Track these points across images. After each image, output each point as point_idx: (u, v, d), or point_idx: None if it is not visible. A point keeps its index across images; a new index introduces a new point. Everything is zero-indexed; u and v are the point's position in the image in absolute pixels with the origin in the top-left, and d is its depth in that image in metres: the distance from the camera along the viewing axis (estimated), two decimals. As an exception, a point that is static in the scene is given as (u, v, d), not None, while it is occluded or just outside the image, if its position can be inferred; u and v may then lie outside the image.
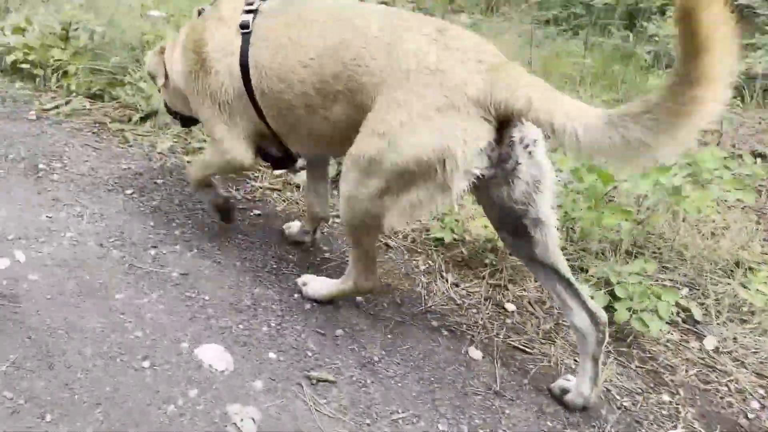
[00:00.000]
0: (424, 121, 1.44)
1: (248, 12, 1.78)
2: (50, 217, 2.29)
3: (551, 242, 1.65)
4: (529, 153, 1.52)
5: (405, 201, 1.55)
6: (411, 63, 1.48)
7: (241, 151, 1.93)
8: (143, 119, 3.12)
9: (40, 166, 2.64)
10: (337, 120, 1.66)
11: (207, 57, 1.84)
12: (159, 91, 2.31)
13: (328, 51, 1.62)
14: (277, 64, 1.71)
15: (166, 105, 2.35)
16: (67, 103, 3.19)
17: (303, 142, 1.87)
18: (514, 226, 1.64)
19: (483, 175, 1.50)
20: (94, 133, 3.02)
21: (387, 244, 2.40)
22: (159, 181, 2.67)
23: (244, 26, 1.77)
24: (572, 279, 1.68)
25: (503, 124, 1.46)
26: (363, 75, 1.55)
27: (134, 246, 2.21)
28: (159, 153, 2.89)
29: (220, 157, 1.97)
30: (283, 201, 2.69)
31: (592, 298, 1.79)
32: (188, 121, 2.36)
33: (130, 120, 3.13)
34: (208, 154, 2.09)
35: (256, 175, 2.81)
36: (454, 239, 2.41)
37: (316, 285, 1.97)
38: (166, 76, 2.12)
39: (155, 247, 2.22)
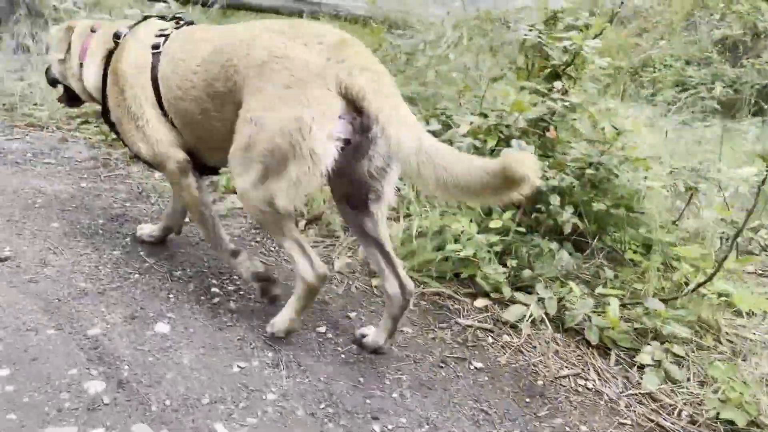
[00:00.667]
0: (280, 100, 1.63)
1: (160, 36, 2.02)
2: (243, 369, 1.84)
3: (382, 219, 1.86)
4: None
5: (286, 180, 1.66)
6: (263, 55, 1.68)
7: (171, 150, 2.01)
8: (309, 222, 2.72)
9: (213, 289, 2.23)
10: (231, 121, 1.77)
11: (122, 74, 2.04)
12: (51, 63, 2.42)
13: (210, 56, 1.83)
14: (176, 75, 1.92)
15: (49, 72, 2.44)
16: (221, 199, 2.83)
17: (211, 151, 1.99)
18: (359, 200, 1.83)
19: (350, 141, 1.64)
20: (258, 242, 2.62)
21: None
22: (353, 314, 2.22)
23: (155, 47, 2.00)
24: (392, 253, 1.90)
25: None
26: (234, 74, 1.74)
27: (351, 417, 1.72)
28: (338, 272, 2.46)
29: (157, 160, 2.05)
30: (501, 347, 2.18)
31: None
32: (74, 100, 2.43)
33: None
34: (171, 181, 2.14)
35: (456, 307, 2.33)
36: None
37: (278, 321, 1.94)
38: (67, 53, 2.27)
39: (376, 418, 1.73)
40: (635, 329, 2.21)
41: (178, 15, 2.16)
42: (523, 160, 1.33)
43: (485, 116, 2.64)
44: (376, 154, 1.71)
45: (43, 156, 3.24)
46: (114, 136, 2.37)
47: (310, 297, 1.87)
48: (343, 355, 1.98)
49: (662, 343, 2.15)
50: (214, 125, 1.86)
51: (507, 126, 2.56)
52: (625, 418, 1.90)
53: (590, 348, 2.18)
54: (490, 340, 2.19)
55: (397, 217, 2.64)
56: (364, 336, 2.01)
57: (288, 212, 1.72)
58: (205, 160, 2.06)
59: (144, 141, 2.02)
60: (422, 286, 2.38)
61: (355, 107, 1.61)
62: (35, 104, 3.89)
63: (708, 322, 2.25)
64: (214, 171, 2.21)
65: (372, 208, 1.83)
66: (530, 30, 3.00)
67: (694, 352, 2.14)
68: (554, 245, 2.42)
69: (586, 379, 2.05)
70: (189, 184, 2.03)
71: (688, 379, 2.04)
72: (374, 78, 1.61)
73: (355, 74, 1.59)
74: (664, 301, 2.24)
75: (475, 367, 2.04)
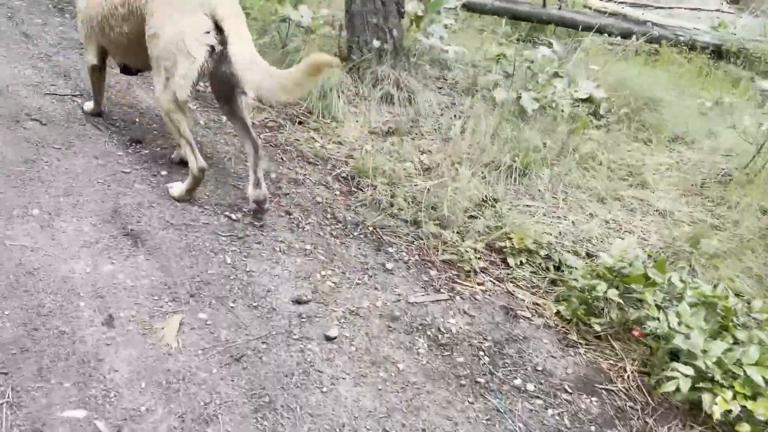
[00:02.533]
0: (172, 18, 2.38)
1: None
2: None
3: (246, 106, 2.77)
4: None
5: (179, 75, 2.42)
6: None
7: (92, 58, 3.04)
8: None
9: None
10: (130, 34, 2.64)
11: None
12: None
13: None
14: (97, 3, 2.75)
15: None
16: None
17: (121, 55, 2.91)
18: (228, 94, 2.74)
19: (214, 48, 2.40)
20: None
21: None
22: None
23: None
24: (249, 125, 2.80)
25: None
26: (133, 11, 2.55)
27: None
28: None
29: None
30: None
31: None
32: None
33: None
34: None
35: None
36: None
37: (175, 189, 2.77)
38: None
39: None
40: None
41: None
42: (321, 55, 2.20)
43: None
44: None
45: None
46: None
47: (196, 182, 2.68)
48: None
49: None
50: (119, 37, 2.72)
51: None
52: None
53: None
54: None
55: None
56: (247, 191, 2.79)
57: (185, 104, 2.51)
58: (118, 61, 3.02)
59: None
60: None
61: (218, 27, 2.38)
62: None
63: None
64: (128, 71, 3.12)
65: (237, 98, 2.75)
66: None
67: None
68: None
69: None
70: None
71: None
72: (230, 10, 2.39)
73: (219, 5, 2.37)
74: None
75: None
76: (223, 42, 2.37)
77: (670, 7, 10.94)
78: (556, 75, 4.87)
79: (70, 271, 2.22)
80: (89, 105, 3.27)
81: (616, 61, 6.52)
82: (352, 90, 4.23)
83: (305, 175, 3.27)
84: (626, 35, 7.67)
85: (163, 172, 2.96)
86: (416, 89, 4.40)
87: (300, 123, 3.84)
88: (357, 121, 3.96)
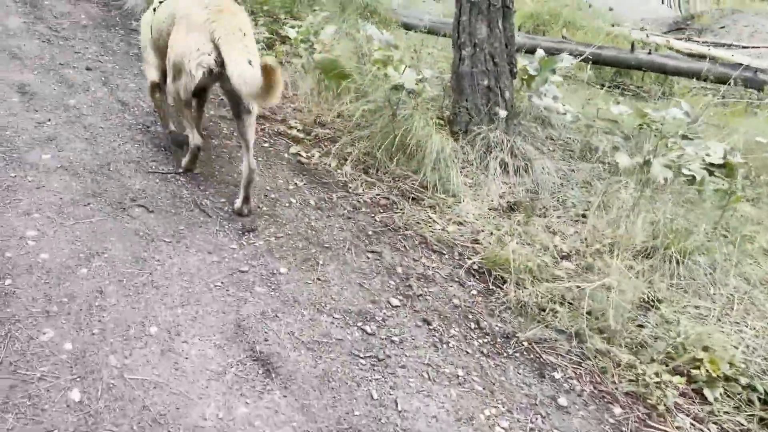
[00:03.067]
0: (181, 37, 2.73)
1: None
2: None
3: (249, 125, 2.88)
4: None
5: (180, 83, 2.77)
6: (181, 12, 2.80)
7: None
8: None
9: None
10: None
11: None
12: None
13: (164, 15, 3.01)
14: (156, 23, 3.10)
15: None
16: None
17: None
18: (236, 112, 2.90)
19: (213, 70, 2.66)
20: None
21: None
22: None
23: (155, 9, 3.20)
24: (250, 146, 2.89)
25: None
26: (171, 24, 2.88)
27: None
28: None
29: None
30: None
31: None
32: None
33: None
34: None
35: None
36: None
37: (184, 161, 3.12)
38: None
39: None
40: None
41: None
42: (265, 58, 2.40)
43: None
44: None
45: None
46: None
47: (194, 155, 3.02)
48: None
49: None
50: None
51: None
52: None
53: None
54: None
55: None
56: (233, 204, 2.95)
57: (185, 100, 2.79)
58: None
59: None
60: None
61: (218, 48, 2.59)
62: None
63: None
64: None
65: (243, 117, 2.84)
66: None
67: None
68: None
69: None
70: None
71: None
72: (227, 29, 2.56)
73: (218, 29, 2.56)
74: None
75: None
76: (221, 63, 2.57)
77: (756, 47, 10.27)
78: (684, 137, 4.37)
79: (201, 416, 1.84)
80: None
81: (733, 114, 5.93)
82: (460, 157, 3.84)
83: (434, 268, 2.85)
84: (722, 80, 7.07)
85: (282, 270, 2.60)
86: (531, 156, 3.97)
87: (414, 199, 3.45)
88: (475, 196, 3.55)
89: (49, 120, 3.39)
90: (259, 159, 3.54)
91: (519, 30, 7.96)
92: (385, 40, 4.45)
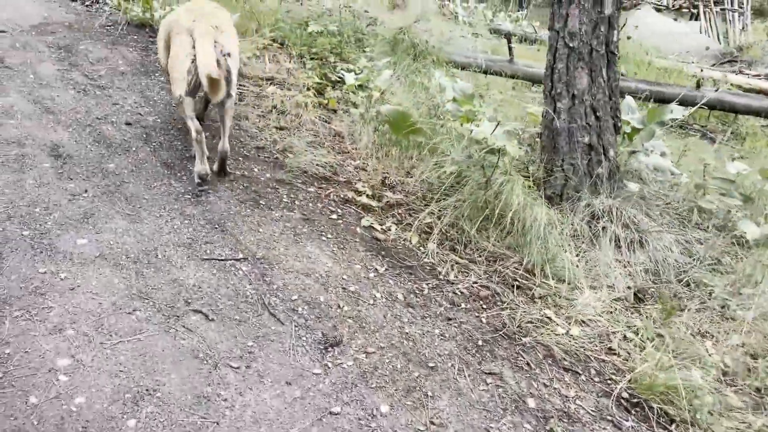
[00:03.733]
0: (175, 40, 3.03)
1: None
2: None
3: (229, 109, 3.16)
4: (225, 56, 2.98)
5: (175, 83, 3.03)
6: (172, 20, 3.15)
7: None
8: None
9: None
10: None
11: None
12: None
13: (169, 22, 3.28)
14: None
15: None
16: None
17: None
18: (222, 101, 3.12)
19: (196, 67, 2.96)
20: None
21: None
22: None
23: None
24: (227, 129, 3.18)
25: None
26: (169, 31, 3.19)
27: None
28: None
29: None
30: None
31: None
32: None
33: None
34: None
35: None
36: None
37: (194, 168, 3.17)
38: None
39: None
40: None
41: None
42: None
43: None
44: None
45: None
46: None
47: (199, 145, 3.05)
48: None
49: None
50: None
51: None
52: None
53: None
54: None
55: None
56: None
57: (181, 97, 3.01)
58: None
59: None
60: None
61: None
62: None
63: None
64: None
65: (225, 103, 3.11)
66: None
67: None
68: None
69: None
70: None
71: None
72: (200, 32, 2.92)
73: (195, 29, 2.95)
74: None
75: None
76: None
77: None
78: (817, 201, 3.71)
79: None
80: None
81: None
82: (565, 230, 3.22)
83: (573, 398, 2.20)
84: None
85: (383, 408, 1.98)
86: (644, 226, 3.34)
87: (518, 288, 2.83)
88: (592, 282, 2.91)
89: (86, 191, 2.87)
90: (329, 236, 2.96)
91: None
92: (461, 89, 3.90)
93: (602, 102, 3.48)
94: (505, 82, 6.53)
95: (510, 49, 6.60)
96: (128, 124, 3.63)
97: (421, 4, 11.17)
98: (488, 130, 3.31)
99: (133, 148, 3.35)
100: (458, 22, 11.35)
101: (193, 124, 3.07)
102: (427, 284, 2.74)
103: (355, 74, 4.85)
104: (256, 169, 3.44)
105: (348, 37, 5.75)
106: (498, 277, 2.87)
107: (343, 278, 2.65)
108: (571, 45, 3.44)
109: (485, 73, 6.52)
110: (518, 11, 14.11)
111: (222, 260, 2.59)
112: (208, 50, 2.86)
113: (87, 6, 5.76)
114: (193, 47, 2.90)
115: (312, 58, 5.46)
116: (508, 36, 6.98)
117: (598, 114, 3.47)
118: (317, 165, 3.63)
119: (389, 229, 3.15)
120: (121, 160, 3.20)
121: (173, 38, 3.05)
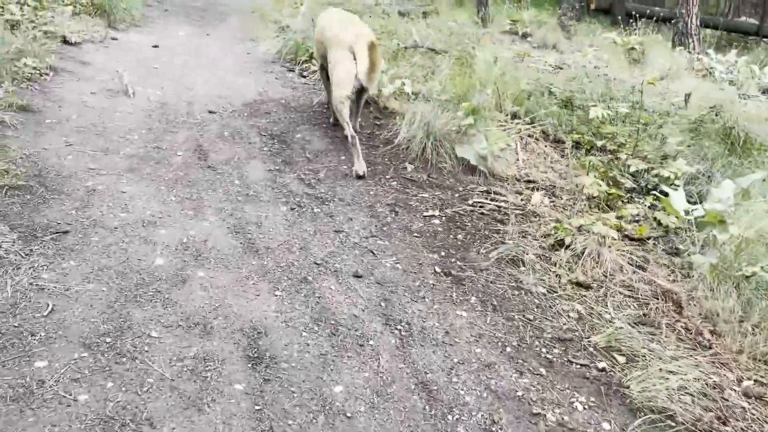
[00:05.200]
0: (336, 56, 3.35)
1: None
2: None
3: (362, 100, 3.62)
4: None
5: (337, 86, 3.36)
6: (330, 34, 3.46)
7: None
8: None
9: None
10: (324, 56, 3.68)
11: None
12: None
13: (318, 30, 3.75)
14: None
15: None
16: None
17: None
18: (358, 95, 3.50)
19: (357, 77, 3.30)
20: None
21: None
22: None
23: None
24: (359, 113, 3.69)
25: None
26: (325, 41, 3.54)
27: None
28: None
29: None
30: None
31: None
32: None
33: None
34: None
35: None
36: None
37: (356, 168, 3.29)
38: None
39: None
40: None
41: None
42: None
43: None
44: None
45: None
46: None
47: (353, 145, 3.23)
48: None
49: None
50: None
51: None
52: None
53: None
54: None
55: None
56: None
57: (341, 102, 3.28)
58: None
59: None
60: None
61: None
62: None
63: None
64: None
65: (361, 94, 3.51)
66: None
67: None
68: None
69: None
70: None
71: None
72: (360, 47, 3.20)
73: (356, 45, 3.22)
74: None
75: None
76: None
77: None
78: None
79: None
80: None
81: None
82: None
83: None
84: None
85: None
86: None
87: None
88: None
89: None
90: None
91: None
92: None
93: None
94: None
95: None
96: (358, 276, 2.33)
97: (663, 57, 8.99)
98: None
99: (375, 346, 1.97)
100: (715, 79, 8.92)
101: (350, 130, 3.28)
102: None
103: (676, 186, 3.09)
104: (578, 406, 1.84)
105: (637, 119, 4.02)
106: None
107: None
108: None
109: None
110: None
111: None
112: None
113: (305, 77, 4.96)
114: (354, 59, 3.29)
115: (594, 152, 3.84)
116: None
117: None
118: (682, 395, 1.92)
119: None
120: (354, 377, 1.82)
121: (331, 49, 3.45)
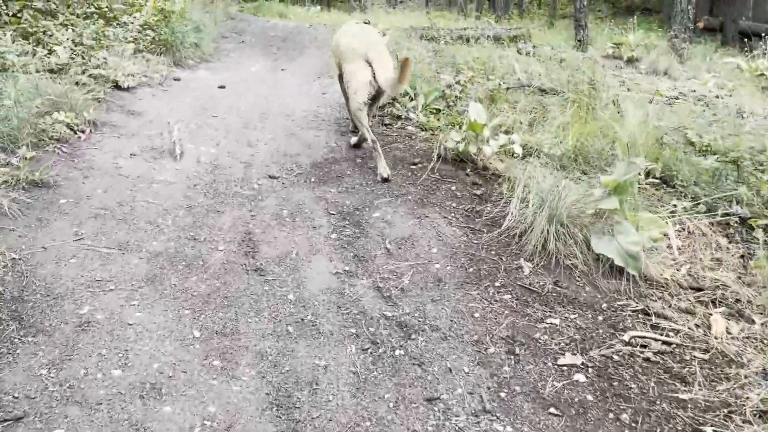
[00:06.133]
0: (351, 66, 3.43)
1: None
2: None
3: (376, 105, 3.68)
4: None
5: (354, 94, 3.41)
6: (344, 46, 3.51)
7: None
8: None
9: None
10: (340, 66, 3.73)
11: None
12: None
13: (334, 43, 3.76)
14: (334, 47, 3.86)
15: None
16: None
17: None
18: (373, 100, 3.51)
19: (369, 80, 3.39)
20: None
21: None
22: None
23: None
24: (372, 114, 3.74)
25: None
26: (340, 54, 3.60)
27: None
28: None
29: None
30: None
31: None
32: None
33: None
34: None
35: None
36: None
37: (381, 170, 3.32)
38: None
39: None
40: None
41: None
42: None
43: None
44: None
45: None
46: None
47: (375, 149, 3.31)
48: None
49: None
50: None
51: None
52: None
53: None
54: None
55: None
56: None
57: (359, 109, 3.36)
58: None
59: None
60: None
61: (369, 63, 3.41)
62: None
63: None
64: None
65: (377, 99, 3.51)
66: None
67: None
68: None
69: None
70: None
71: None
72: (377, 55, 3.33)
73: (370, 53, 3.34)
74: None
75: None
76: (374, 74, 3.35)
77: None
78: None
79: None
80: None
81: None
82: None
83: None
84: None
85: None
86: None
87: None
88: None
89: None
90: None
91: None
92: None
93: None
94: None
95: None
96: None
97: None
98: None
99: None
100: None
101: (370, 135, 3.35)
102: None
103: None
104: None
105: None
106: None
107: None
108: None
109: None
110: None
111: None
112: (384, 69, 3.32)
113: (387, 125, 4.14)
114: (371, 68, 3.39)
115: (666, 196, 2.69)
116: None
117: None
118: None
119: None
120: None
121: (345, 61, 3.55)
